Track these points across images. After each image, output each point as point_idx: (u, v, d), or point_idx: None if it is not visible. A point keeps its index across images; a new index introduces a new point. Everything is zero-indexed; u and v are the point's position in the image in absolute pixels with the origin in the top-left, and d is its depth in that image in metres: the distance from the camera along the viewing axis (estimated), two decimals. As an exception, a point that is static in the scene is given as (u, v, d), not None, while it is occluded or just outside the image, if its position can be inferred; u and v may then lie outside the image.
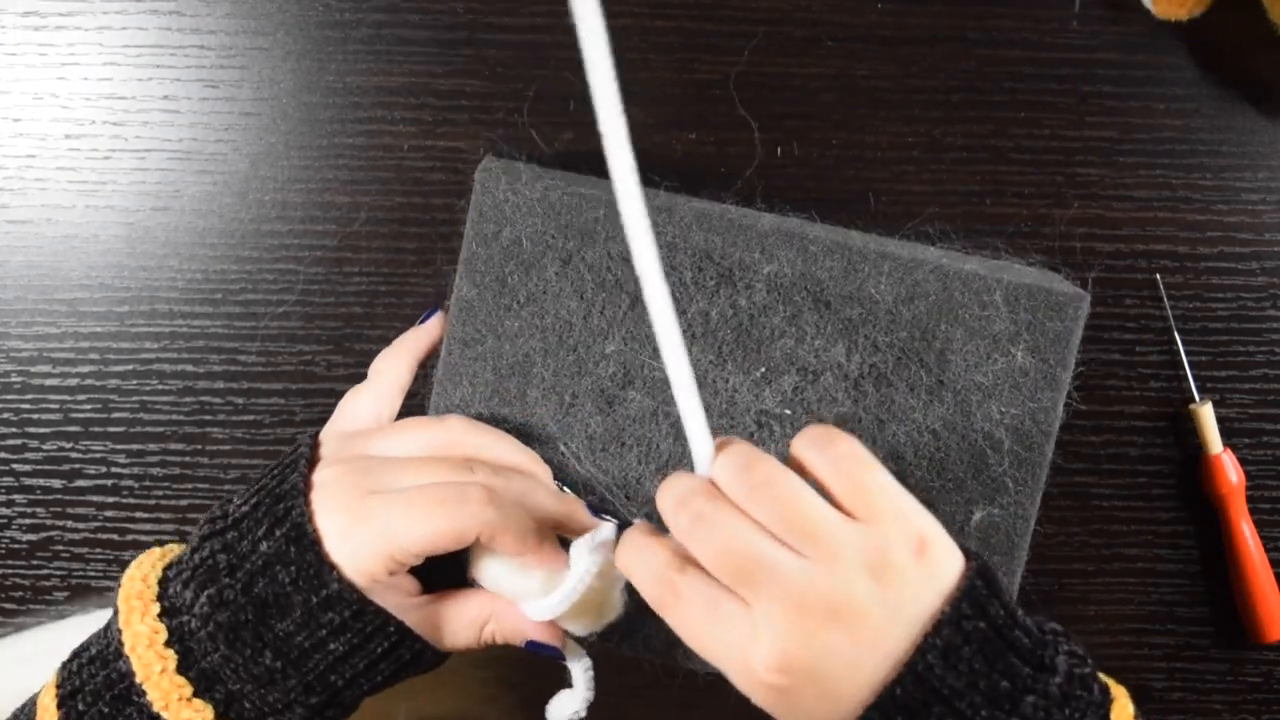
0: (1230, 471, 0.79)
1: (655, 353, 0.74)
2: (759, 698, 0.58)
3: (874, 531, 0.57)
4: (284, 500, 0.63)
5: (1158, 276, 0.80)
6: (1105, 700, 0.59)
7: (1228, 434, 0.80)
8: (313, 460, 0.67)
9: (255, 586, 0.62)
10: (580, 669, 0.70)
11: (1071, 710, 0.57)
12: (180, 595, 0.63)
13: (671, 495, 0.60)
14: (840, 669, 0.56)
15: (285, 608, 0.62)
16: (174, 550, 0.67)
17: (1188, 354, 0.80)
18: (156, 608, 0.63)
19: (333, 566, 0.62)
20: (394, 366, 0.75)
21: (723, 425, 0.74)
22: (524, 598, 0.68)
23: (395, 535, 0.63)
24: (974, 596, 0.56)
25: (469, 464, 0.67)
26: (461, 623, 0.69)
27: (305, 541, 0.62)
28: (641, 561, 0.60)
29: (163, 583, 0.64)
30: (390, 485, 0.65)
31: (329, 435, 0.71)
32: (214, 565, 0.62)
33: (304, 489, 0.64)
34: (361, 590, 0.63)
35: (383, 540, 0.63)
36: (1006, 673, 0.56)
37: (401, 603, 0.66)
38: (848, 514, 0.57)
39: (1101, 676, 0.60)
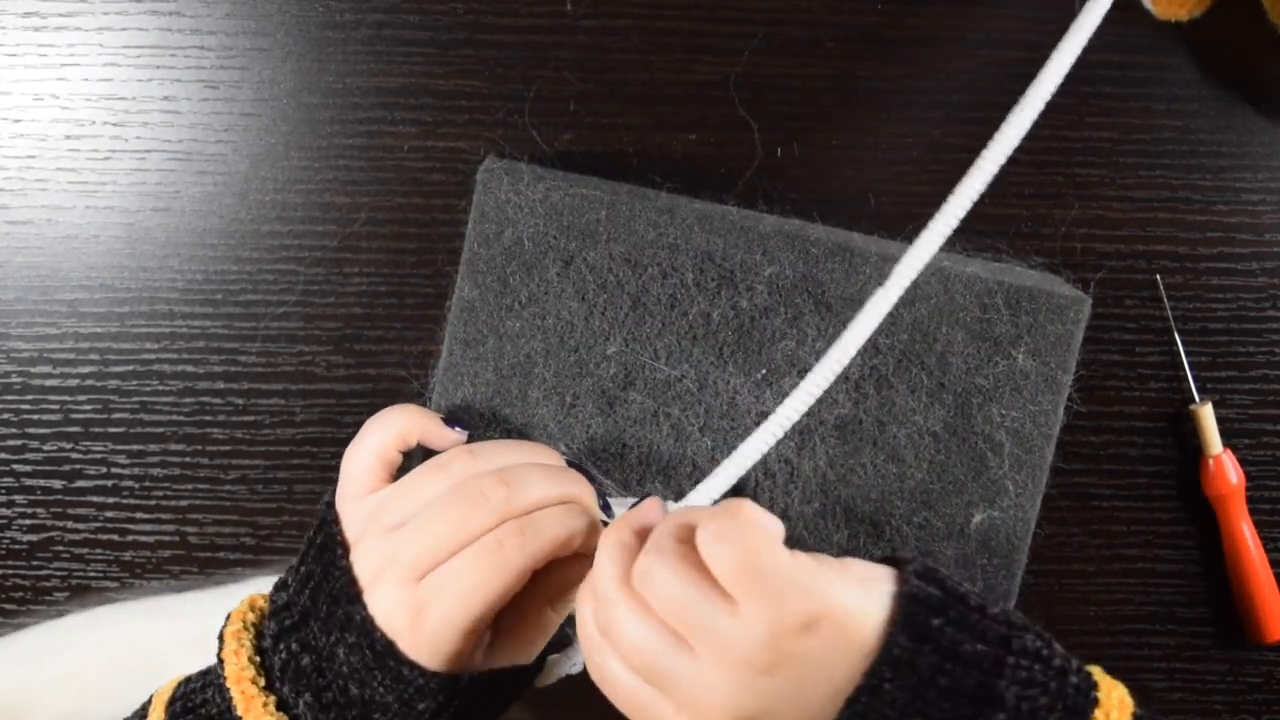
0: (1230, 472, 0.79)
1: (656, 354, 0.74)
2: None
3: (753, 619, 0.55)
4: (341, 604, 0.63)
5: (1158, 277, 0.80)
6: (1079, 707, 0.57)
7: (1228, 434, 0.81)
8: (344, 543, 0.66)
9: (350, 690, 0.63)
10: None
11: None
12: (281, 691, 0.63)
13: (589, 591, 0.62)
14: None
15: (384, 705, 0.63)
16: (249, 616, 0.67)
17: (1188, 354, 0.80)
18: (271, 700, 0.63)
19: (412, 665, 0.62)
20: (388, 422, 0.71)
21: (724, 427, 0.74)
22: None
23: (458, 617, 0.63)
24: (895, 655, 0.55)
25: (484, 493, 0.65)
26: (533, 624, 0.69)
27: (379, 648, 0.62)
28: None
29: (264, 671, 0.64)
30: (429, 556, 0.63)
31: (346, 504, 0.69)
32: (301, 667, 0.63)
33: (355, 590, 0.63)
34: (447, 671, 0.63)
35: (449, 627, 0.63)
36: (952, 700, 0.55)
37: (482, 642, 0.67)
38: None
39: (1093, 674, 0.59)
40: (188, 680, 0.66)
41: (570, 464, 0.70)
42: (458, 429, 0.73)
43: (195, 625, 0.80)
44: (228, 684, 0.63)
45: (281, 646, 0.63)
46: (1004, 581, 0.74)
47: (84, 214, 0.81)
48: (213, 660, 0.66)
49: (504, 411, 0.75)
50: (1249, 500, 0.80)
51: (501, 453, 0.69)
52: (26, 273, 0.81)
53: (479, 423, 0.76)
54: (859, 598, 0.57)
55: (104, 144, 0.80)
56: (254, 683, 0.63)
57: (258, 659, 0.64)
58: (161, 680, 0.76)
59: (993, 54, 0.80)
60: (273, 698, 0.63)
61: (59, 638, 0.81)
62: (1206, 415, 0.80)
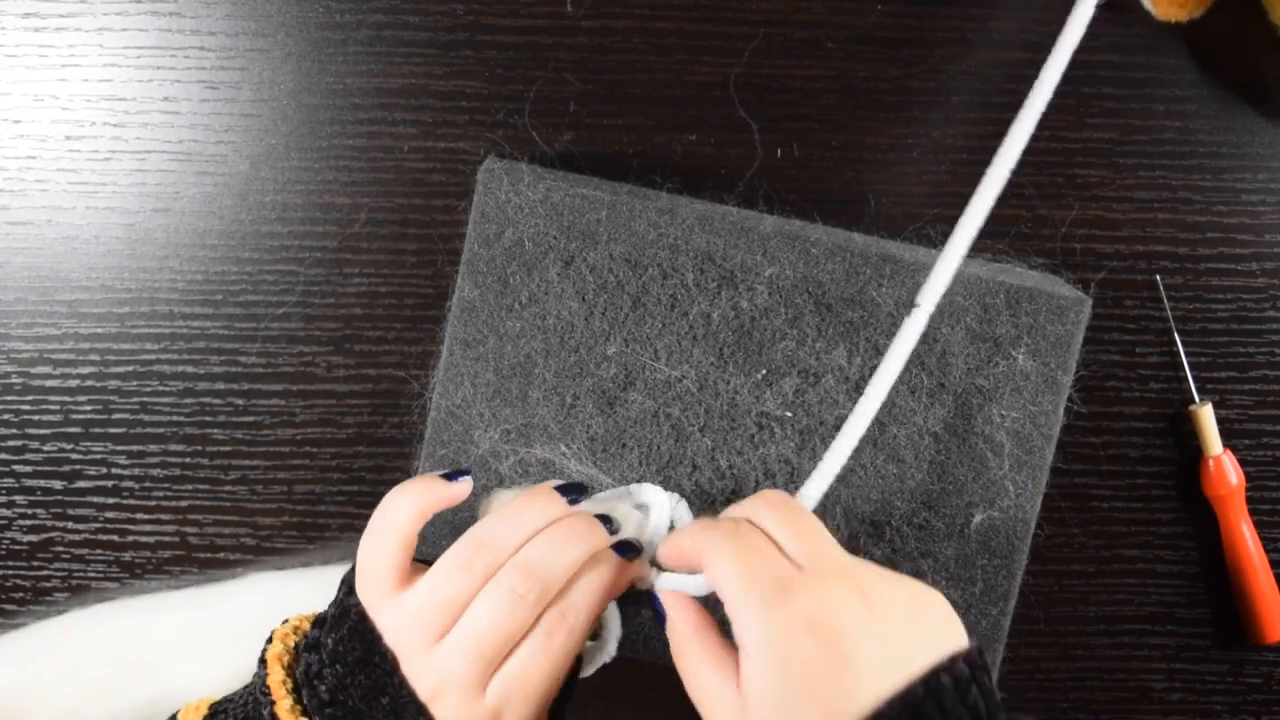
0: (1230, 472, 0.79)
1: (656, 354, 0.74)
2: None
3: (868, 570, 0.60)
4: (408, 716, 0.64)
5: (1158, 278, 0.80)
6: None
7: (1228, 435, 0.81)
8: (392, 658, 0.65)
9: None
10: (612, 616, 0.72)
11: None
12: None
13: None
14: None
15: None
16: (289, 645, 0.67)
17: (1188, 355, 0.80)
18: None
19: None
20: (401, 506, 0.68)
21: (724, 427, 0.74)
22: None
23: (531, 714, 0.65)
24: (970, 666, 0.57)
25: (517, 593, 0.65)
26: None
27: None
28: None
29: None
30: (484, 668, 0.64)
31: (379, 608, 0.66)
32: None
33: (420, 705, 0.64)
34: None
35: (532, 711, 0.65)
36: None
37: None
38: None
39: None
40: (220, 704, 0.66)
41: (570, 498, 0.70)
42: (460, 480, 0.72)
43: (194, 623, 0.81)
44: None
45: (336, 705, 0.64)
46: (1004, 582, 0.74)
47: (84, 215, 0.81)
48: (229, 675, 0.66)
49: (504, 412, 0.75)
50: (1249, 500, 0.80)
51: (512, 529, 0.68)
52: (26, 273, 0.81)
53: (478, 423, 0.76)
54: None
55: (104, 145, 0.80)
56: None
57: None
58: (161, 679, 0.76)
59: (993, 54, 0.80)
60: None
61: (58, 636, 0.81)
62: (1206, 416, 0.80)
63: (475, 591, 0.65)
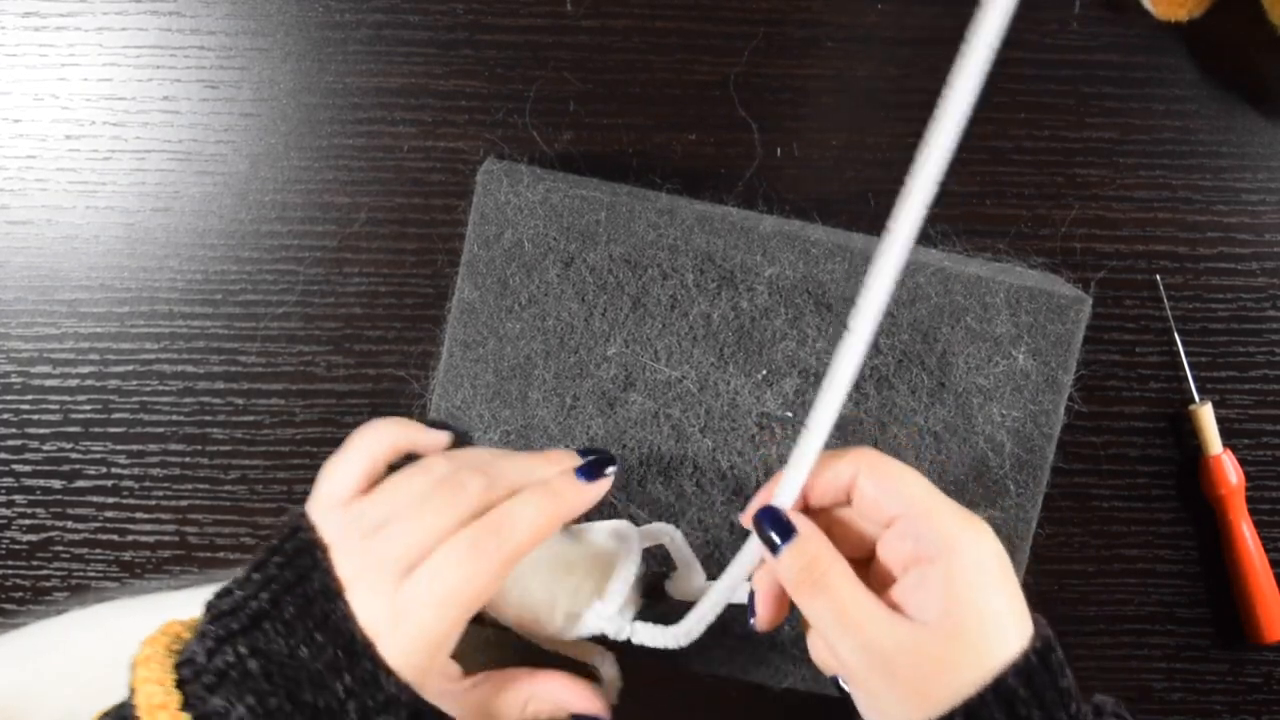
0: (1230, 472, 0.79)
1: (656, 355, 0.74)
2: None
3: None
4: (318, 602, 0.61)
5: (1158, 277, 0.80)
6: None
7: (1228, 435, 0.81)
8: (321, 544, 0.63)
9: (303, 694, 0.59)
10: (608, 666, 0.73)
11: None
12: (207, 702, 0.58)
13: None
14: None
15: (337, 714, 0.60)
16: (167, 640, 0.62)
17: (1188, 355, 0.80)
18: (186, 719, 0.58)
19: (388, 670, 0.61)
20: (375, 436, 0.70)
21: (724, 427, 0.74)
22: (562, 603, 0.69)
23: (436, 620, 0.62)
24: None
25: (463, 484, 0.65)
26: (504, 704, 0.69)
27: (357, 648, 0.60)
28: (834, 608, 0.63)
29: (180, 685, 0.59)
30: (409, 553, 0.62)
31: (321, 511, 0.66)
32: (247, 671, 0.59)
33: (336, 587, 0.61)
34: (415, 689, 0.62)
35: (425, 633, 0.62)
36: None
37: (446, 689, 0.67)
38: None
39: None
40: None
41: (592, 461, 0.69)
42: (441, 432, 0.72)
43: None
44: (136, 704, 0.59)
45: (227, 649, 0.59)
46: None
47: (84, 214, 0.81)
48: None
49: (504, 413, 0.75)
50: (1249, 500, 0.81)
51: (484, 453, 0.68)
52: (26, 273, 0.81)
53: (478, 424, 0.76)
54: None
55: (104, 144, 0.80)
56: (165, 708, 0.58)
57: (175, 680, 0.60)
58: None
59: (993, 54, 0.80)
60: (186, 716, 0.58)
61: (58, 635, 0.81)
62: (1206, 415, 0.80)
63: (426, 488, 0.65)
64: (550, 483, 0.67)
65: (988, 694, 0.58)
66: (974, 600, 0.59)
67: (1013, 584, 0.61)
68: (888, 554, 0.63)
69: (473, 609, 0.63)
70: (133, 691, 0.59)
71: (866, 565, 0.65)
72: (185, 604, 0.81)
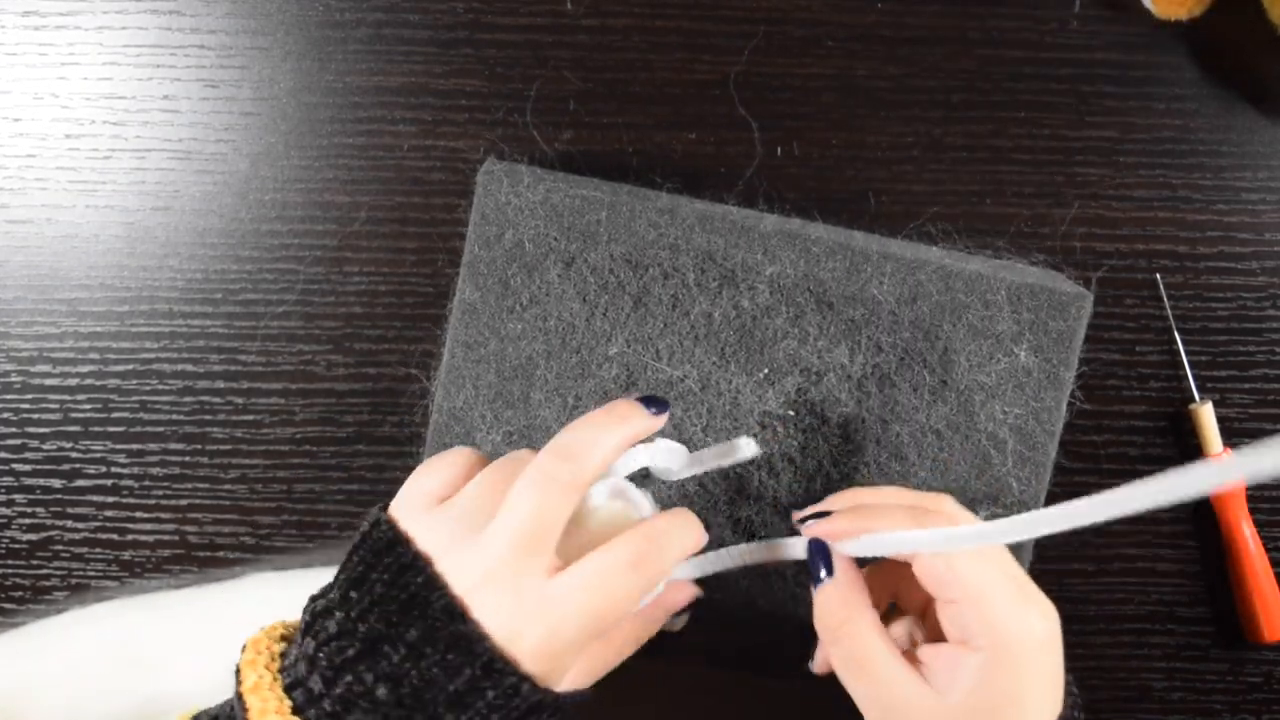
0: (1230, 471, 0.79)
1: (658, 354, 0.74)
2: None
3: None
4: (442, 623, 0.58)
5: (1158, 276, 0.80)
6: None
7: (1228, 434, 0.81)
8: (425, 557, 0.60)
9: (444, 716, 0.58)
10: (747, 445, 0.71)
11: None
12: None
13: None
14: None
15: None
16: (265, 659, 0.60)
17: (1188, 354, 0.80)
18: None
19: (532, 681, 0.59)
20: (471, 451, 0.66)
21: (726, 426, 0.74)
22: None
23: (588, 628, 0.60)
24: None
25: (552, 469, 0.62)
26: (610, 646, 0.68)
27: (497, 665, 0.58)
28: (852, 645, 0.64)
29: (297, 712, 0.58)
30: (523, 535, 0.60)
31: (414, 515, 0.63)
32: (376, 699, 0.58)
33: (458, 607, 0.58)
34: (555, 684, 0.61)
35: (576, 639, 0.60)
36: None
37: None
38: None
39: None
40: (201, 716, 0.61)
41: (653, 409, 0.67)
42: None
43: (193, 623, 0.80)
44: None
45: (347, 676, 0.58)
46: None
47: (83, 213, 0.81)
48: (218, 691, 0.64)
49: (506, 413, 0.75)
50: (1249, 500, 0.80)
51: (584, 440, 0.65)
52: (26, 272, 0.81)
53: (480, 425, 0.76)
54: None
55: (103, 143, 0.80)
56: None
57: (292, 708, 0.58)
58: (161, 678, 0.76)
59: (993, 53, 0.80)
60: None
61: (57, 634, 0.81)
62: (1206, 415, 0.80)
63: (527, 479, 0.61)
64: (683, 512, 0.66)
65: None
66: (1009, 693, 0.60)
67: (1051, 669, 0.61)
68: (942, 615, 0.63)
69: (619, 621, 0.62)
70: (245, 710, 0.58)
71: (921, 613, 0.66)
72: (185, 604, 0.81)
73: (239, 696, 0.58)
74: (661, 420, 0.66)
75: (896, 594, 0.68)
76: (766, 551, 0.67)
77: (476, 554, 0.60)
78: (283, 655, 0.61)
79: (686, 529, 0.64)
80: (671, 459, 0.68)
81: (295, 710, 0.57)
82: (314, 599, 0.62)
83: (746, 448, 0.71)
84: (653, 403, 0.66)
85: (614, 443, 0.63)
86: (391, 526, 0.62)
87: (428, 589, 0.59)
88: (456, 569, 0.59)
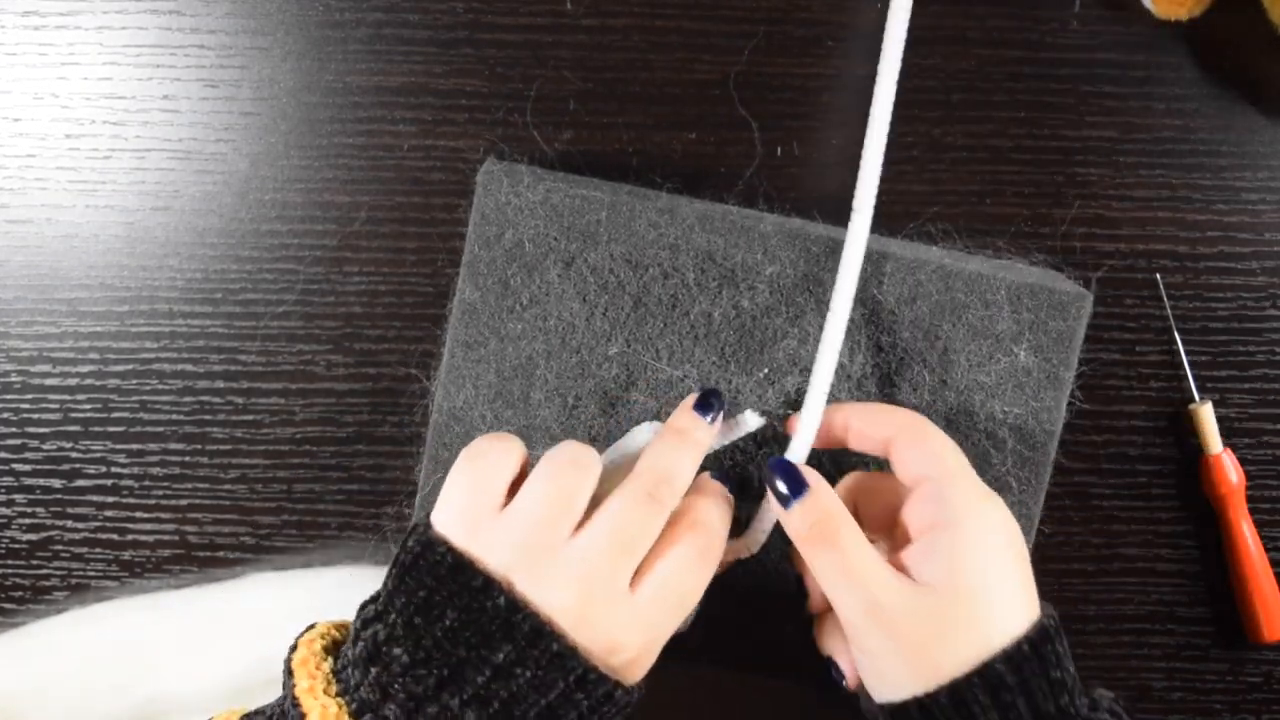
0: (1230, 471, 0.79)
1: (658, 354, 0.74)
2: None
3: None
4: (532, 644, 0.58)
5: (1158, 276, 0.80)
6: None
7: (1228, 434, 0.81)
8: (498, 580, 0.60)
9: None
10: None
11: None
12: None
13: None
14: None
15: None
16: (321, 683, 0.60)
17: (1188, 354, 0.80)
18: None
19: (627, 688, 0.61)
20: (511, 446, 0.65)
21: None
22: None
23: (676, 625, 0.63)
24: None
25: (650, 492, 0.63)
26: None
27: (591, 679, 0.59)
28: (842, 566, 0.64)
29: None
30: (627, 566, 0.61)
31: (478, 533, 0.61)
32: None
33: (548, 628, 0.58)
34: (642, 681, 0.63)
35: (666, 638, 0.63)
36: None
37: None
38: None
39: None
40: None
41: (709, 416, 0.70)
42: None
43: (194, 623, 0.80)
44: None
45: (430, 708, 0.57)
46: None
47: (83, 213, 0.81)
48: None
49: (506, 413, 0.75)
50: (1249, 500, 0.80)
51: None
52: (26, 271, 0.81)
53: (480, 425, 0.76)
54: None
55: (103, 143, 0.80)
56: None
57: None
58: (161, 679, 0.76)
59: (993, 53, 0.80)
60: None
61: (58, 635, 0.81)
62: (1206, 415, 0.80)
63: (590, 485, 0.62)
64: (706, 486, 0.68)
65: (975, 676, 0.59)
66: (979, 570, 0.61)
67: (1022, 565, 0.62)
68: (910, 517, 0.64)
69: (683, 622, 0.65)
70: (297, 700, 0.58)
71: (888, 535, 0.67)
72: (185, 604, 0.81)
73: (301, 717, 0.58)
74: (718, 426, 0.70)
75: (861, 518, 0.68)
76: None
77: (564, 570, 0.60)
78: (337, 675, 0.60)
79: (725, 503, 0.67)
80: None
81: None
82: (367, 622, 0.61)
83: (751, 420, 0.73)
84: (708, 409, 0.70)
85: (695, 460, 0.67)
86: (449, 549, 0.61)
87: (511, 611, 0.59)
88: (541, 587, 0.59)
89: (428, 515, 0.63)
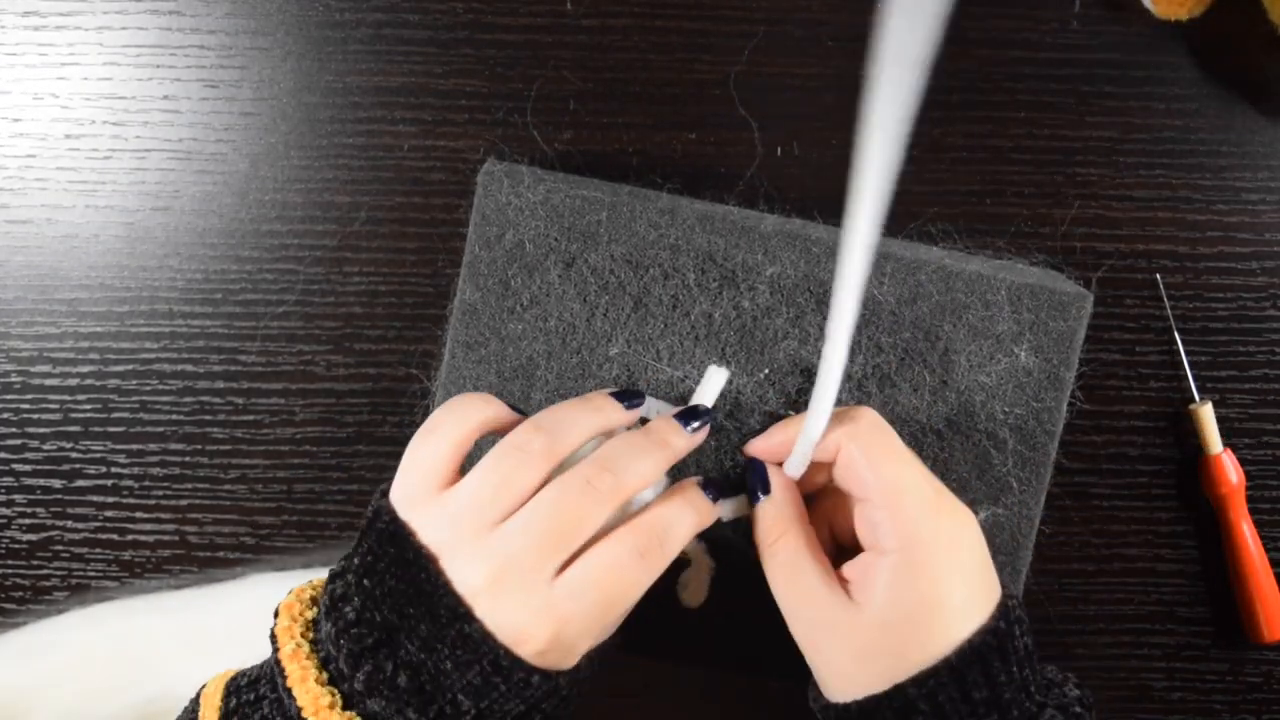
0: (1230, 471, 0.79)
1: (658, 355, 0.74)
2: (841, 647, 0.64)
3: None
4: (448, 623, 0.60)
5: (1158, 276, 0.80)
6: None
7: (1228, 434, 0.81)
8: (429, 554, 0.61)
9: (462, 702, 0.59)
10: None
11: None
12: (366, 705, 0.60)
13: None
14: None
15: (503, 712, 0.60)
16: (300, 625, 0.63)
17: (1188, 354, 0.80)
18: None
19: (544, 673, 0.61)
20: (467, 411, 0.66)
21: (727, 427, 0.74)
22: None
23: (598, 625, 0.62)
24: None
25: (590, 482, 0.63)
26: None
27: (504, 663, 0.59)
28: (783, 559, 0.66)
29: (331, 683, 0.61)
30: (551, 556, 0.61)
31: (417, 506, 0.63)
32: (398, 686, 0.59)
33: (462, 608, 0.60)
34: (572, 668, 0.63)
35: (588, 634, 0.62)
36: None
37: None
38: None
39: None
40: (238, 680, 0.63)
41: (627, 403, 0.70)
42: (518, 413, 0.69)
43: (194, 623, 0.80)
44: (295, 696, 0.59)
45: (367, 665, 0.59)
46: (1009, 579, 0.74)
47: (84, 213, 0.81)
48: (235, 657, 0.65)
49: (506, 412, 0.75)
50: (1249, 500, 0.80)
51: (570, 415, 0.66)
52: (26, 272, 0.81)
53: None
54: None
55: (104, 143, 0.80)
56: (329, 700, 0.59)
57: (323, 670, 0.61)
58: (161, 679, 0.76)
59: (993, 53, 0.80)
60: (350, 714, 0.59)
61: (58, 635, 0.81)
62: (1206, 415, 0.80)
63: (533, 476, 0.62)
64: (689, 492, 0.67)
65: (883, 698, 0.61)
66: (917, 598, 0.61)
67: (968, 571, 0.63)
68: (858, 532, 0.65)
69: (616, 625, 0.66)
70: (284, 675, 0.60)
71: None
72: (185, 604, 0.81)
73: (278, 663, 0.61)
74: (635, 414, 0.70)
75: (834, 528, 0.70)
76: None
77: (485, 554, 0.60)
78: (314, 623, 0.63)
79: (692, 510, 0.66)
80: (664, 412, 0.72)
81: (331, 681, 0.60)
82: (333, 577, 0.63)
83: (717, 375, 0.74)
84: (626, 397, 0.70)
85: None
86: (393, 518, 0.63)
87: (433, 586, 0.60)
88: (462, 568, 0.60)
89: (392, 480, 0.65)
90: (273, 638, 0.63)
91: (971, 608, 0.62)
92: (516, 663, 0.59)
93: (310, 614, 0.64)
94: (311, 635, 0.62)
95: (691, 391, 0.74)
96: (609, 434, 0.68)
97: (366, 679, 0.59)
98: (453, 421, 0.65)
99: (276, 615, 0.64)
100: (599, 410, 0.67)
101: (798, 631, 0.65)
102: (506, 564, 0.60)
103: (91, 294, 0.81)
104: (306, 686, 0.59)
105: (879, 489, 0.63)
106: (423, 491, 0.63)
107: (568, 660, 0.62)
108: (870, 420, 0.66)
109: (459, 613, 0.59)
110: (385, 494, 0.64)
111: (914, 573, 0.61)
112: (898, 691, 0.61)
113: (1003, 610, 0.62)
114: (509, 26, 0.80)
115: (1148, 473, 0.82)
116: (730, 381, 0.75)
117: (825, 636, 0.63)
